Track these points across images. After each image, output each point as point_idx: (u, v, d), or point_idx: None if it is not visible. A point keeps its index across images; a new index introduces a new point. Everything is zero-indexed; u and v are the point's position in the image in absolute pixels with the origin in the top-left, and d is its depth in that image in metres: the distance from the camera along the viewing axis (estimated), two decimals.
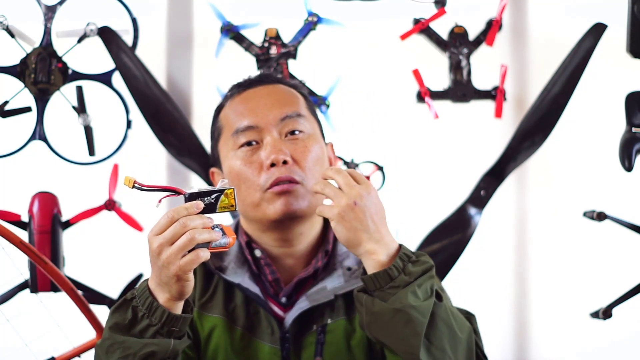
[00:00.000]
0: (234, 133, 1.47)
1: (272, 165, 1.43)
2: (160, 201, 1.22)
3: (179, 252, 1.19)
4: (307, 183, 1.44)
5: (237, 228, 1.55)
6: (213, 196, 1.22)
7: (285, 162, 1.43)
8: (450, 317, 1.32)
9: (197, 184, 1.39)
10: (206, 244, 1.21)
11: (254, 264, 1.50)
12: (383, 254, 1.31)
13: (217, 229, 1.23)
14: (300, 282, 1.49)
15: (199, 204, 1.21)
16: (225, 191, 1.22)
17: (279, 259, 1.50)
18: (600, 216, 1.79)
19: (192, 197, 1.22)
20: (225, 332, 1.45)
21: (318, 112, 1.83)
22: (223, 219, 1.54)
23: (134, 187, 1.20)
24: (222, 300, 1.47)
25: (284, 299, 1.48)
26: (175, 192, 1.22)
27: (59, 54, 1.85)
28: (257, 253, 1.50)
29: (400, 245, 1.33)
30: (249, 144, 1.46)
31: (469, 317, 1.44)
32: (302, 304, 1.45)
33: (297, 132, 1.46)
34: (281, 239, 1.48)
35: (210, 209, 1.22)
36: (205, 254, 1.20)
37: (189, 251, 1.20)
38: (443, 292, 1.47)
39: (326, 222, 1.54)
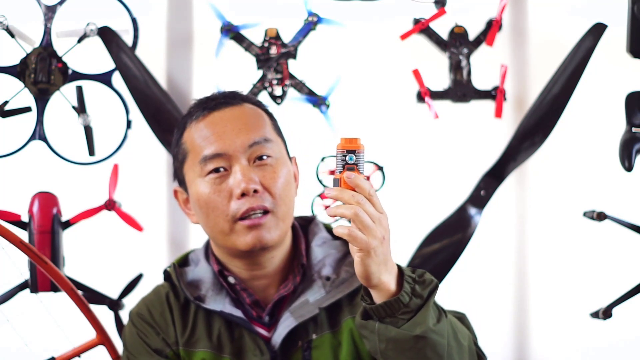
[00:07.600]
0: (202, 160, 1.44)
1: (243, 194, 1.41)
2: None
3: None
4: (278, 210, 1.43)
5: (207, 252, 1.54)
6: None
7: (255, 191, 1.41)
8: (455, 330, 1.30)
9: None
10: None
11: (231, 289, 1.49)
12: (392, 282, 1.25)
13: None
14: (280, 298, 1.48)
15: None
16: None
17: (251, 280, 1.49)
18: (600, 216, 1.79)
19: None
20: None
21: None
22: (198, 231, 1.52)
23: None
24: (205, 331, 1.46)
25: (266, 318, 1.47)
26: None
27: (59, 54, 1.84)
28: (231, 280, 1.49)
29: (399, 266, 1.28)
30: (216, 170, 1.43)
31: (461, 317, 1.43)
32: (287, 322, 1.43)
33: (265, 157, 1.44)
34: (252, 264, 1.47)
35: None
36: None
37: None
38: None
39: (295, 235, 1.52)
